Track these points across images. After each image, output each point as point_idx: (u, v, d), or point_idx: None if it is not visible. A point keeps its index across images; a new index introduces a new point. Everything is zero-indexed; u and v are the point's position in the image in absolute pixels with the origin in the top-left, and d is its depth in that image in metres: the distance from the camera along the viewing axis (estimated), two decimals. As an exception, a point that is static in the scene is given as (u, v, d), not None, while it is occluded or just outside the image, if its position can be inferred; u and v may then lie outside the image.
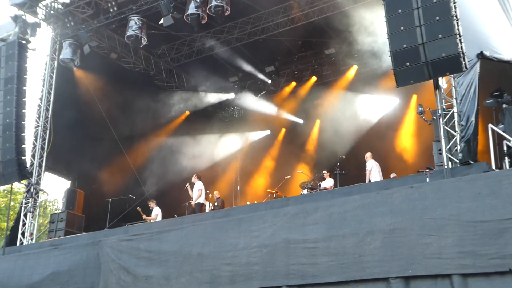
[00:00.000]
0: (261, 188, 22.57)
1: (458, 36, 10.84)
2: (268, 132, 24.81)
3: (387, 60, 14.32)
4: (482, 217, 9.39)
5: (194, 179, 17.58)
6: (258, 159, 23.96)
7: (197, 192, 17.17)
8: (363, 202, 10.94)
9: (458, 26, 10.92)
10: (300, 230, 11.38)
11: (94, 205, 19.46)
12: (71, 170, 20.46)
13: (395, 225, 10.26)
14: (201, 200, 17.28)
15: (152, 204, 18.21)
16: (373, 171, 15.90)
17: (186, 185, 17.80)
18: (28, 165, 17.82)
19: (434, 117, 12.18)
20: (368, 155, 16.39)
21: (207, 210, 17.98)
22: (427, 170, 11.74)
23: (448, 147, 11.52)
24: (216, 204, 18.05)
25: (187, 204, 18.22)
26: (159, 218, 17.86)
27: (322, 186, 16.65)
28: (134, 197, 19.25)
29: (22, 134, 17.50)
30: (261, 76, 23.75)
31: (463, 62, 10.85)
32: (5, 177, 17.63)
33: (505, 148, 11.45)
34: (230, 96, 24.68)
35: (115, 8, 18.51)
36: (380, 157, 17.13)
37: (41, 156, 18.37)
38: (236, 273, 11.82)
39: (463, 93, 11.56)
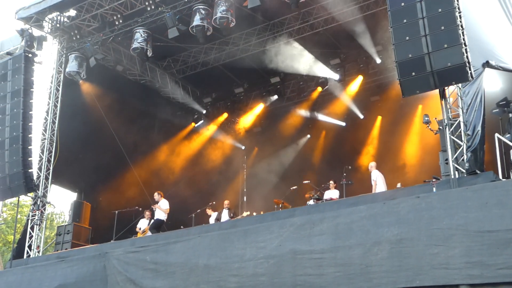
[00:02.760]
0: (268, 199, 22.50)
1: (463, 45, 10.86)
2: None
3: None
4: (490, 227, 9.35)
5: (157, 197, 17.29)
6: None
7: (166, 207, 17.07)
8: (370, 212, 10.92)
9: (463, 35, 10.94)
10: (306, 241, 11.36)
11: (101, 217, 19.45)
12: (78, 183, 20.48)
13: (402, 235, 10.23)
14: (163, 216, 17.08)
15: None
16: (379, 181, 15.73)
17: (155, 205, 17.40)
18: (34, 178, 17.83)
19: (440, 127, 12.15)
20: (372, 164, 16.06)
21: (212, 221, 17.91)
22: (433, 180, 11.69)
23: (454, 156, 11.48)
24: (232, 214, 17.65)
25: (193, 215, 18.17)
26: None
27: (328, 197, 16.53)
28: (140, 208, 19.20)
29: (29, 147, 17.54)
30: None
31: (469, 72, 10.85)
32: (12, 190, 17.68)
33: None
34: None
35: (121, 21, 18.58)
36: (386, 167, 17.02)
37: (48, 169, 18.38)
38: (243, 285, 11.80)
39: (469, 103, 11.54)
